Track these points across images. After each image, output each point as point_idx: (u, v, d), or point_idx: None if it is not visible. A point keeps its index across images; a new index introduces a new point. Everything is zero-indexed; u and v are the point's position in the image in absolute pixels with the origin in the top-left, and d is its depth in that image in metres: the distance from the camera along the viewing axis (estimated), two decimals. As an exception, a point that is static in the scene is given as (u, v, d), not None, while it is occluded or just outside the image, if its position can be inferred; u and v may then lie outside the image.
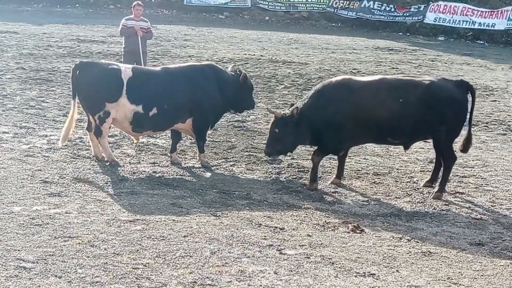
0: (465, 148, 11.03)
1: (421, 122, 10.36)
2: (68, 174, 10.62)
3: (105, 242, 8.02)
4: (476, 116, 16.69)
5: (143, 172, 11.08)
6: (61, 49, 23.44)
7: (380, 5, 37.26)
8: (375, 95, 10.43)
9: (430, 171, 11.89)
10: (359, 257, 8.14)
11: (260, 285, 7.25)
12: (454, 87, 10.56)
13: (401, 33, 36.46)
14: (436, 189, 10.67)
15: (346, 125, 10.43)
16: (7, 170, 10.50)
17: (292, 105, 10.94)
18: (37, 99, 15.66)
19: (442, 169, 10.81)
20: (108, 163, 11.30)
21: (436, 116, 10.32)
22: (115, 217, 8.89)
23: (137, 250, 7.86)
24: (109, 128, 11.55)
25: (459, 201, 10.56)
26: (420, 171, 11.94)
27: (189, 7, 37.63)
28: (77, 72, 11.42)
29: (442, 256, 8.40)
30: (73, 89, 11.56)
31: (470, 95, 10.68)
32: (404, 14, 37.08)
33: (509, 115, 17.04)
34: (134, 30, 16.31)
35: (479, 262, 8.28)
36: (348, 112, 10.39)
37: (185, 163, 11.69)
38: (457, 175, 11.77)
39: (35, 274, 7.07)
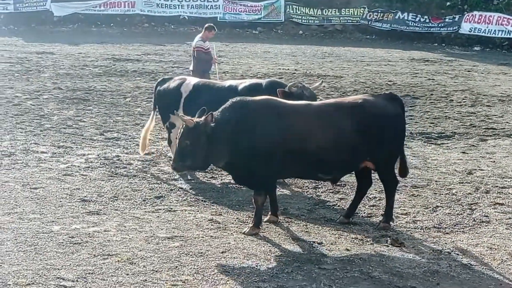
0: (403, 171, 9.92)
1: (358, 148, 9.19)
2: (106, 192, 10.70)
3: (144, 259, 8.06)
4: (515, 126, 16.55)
5: (180, 189, 11.12)
6: (96, 68, 23.67)
7: (415, 17, 37.12)
8: (303, 123, 9.15)
9: (469, 183, 11.80)
10: (399, 271, 8.08)
11: (300, 301, 7.24)
12: (386, 102, 9.53)
13: (436, 44, 36.27)
14: (383, 219, 9.73)
15: (273, 155, 9.02)
16: (46, 189, 10.61)
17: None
18: (74, 119, 15.81)
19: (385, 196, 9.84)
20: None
21: (375, 136, 9.23)
22: (153, 234, 8.94)
23: (176, 267, 7.89)
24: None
25: (499, 212, 10.44)
26: (459, 182, 11.83)
27: (222, 24, 37.77)
28: (157, 86, 12.59)
29: (483, 268, 8.32)
30: (154, 101, 12.86)
31: (401, 109, 9.72)
32: (439, 25, 36.89)
33: (548, 124, 16.85)
34: (210, 58, 16.81)
35: (521, 274, 8.19)
36: (275, 140, 9.00)
37: (221, 180, 11.71)
38: (497, 186, 11.65)
39: (75, 292, 7.14)
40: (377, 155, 9.40)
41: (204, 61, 16.74)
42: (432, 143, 14.87)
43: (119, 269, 7.75)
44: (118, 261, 7.98)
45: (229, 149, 9.03)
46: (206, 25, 17.34)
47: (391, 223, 9.67)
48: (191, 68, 17.17)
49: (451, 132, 15.84)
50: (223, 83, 12.67)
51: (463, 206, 10.67)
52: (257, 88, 11.58)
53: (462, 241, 9.24)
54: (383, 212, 9.89)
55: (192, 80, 12.53)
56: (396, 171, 9.85)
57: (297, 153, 9.07)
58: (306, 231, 9.40)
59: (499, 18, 35.29)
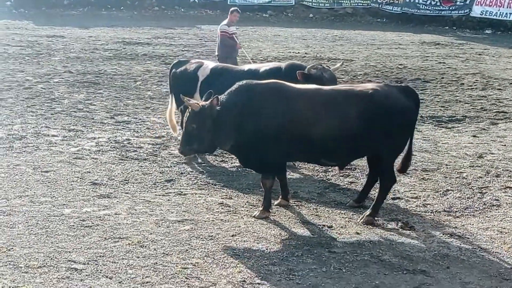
0: (404, 167, 9.65)
1: (363, 138, 8.94)
2: (116, 175, 10.72)
3: (155, 242, 8.09)
4: (526, 109, 16.49)
5: (190, 173, 11.14)
6: (107, 52, 23.67)
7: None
8: (310, 108, 8.98)
9: (480, 166, 11.77)
10: (409, 255, 8.09)
11: (310, 284, 7.25)
12: (400, 94, 9.14)
13: (447, 27, 36.11)
14: (367, 212, 9.27)
15: (278, 138, 8.91)
16: (56, 173, 10.65)
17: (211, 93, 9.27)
18: (85, 102, 15.84)
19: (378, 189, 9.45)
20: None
21: (381, 128, 8.89)
22: (164, 217, 8.96)
23: (186, 250, 7.92)
24: None
25: (509, 195, 10.41)
26: (470, 166, 11.80)
27: (232, 7, 37.71)
28: (173, 69, 12.58)
29: (493, 252, 8.31)
30: (169, 84, 12.83)
31: (415, 104, 9.27)
32: (450, 8, 36.70)
33: (560, 108, 16.77)
34: (234, 43, 16.59)
35: (532, 258, 8.18)
36: (279, 124, 8.88)
37: (231, 163, 11.72)
38: (507, 169, 11.62)
39: (86, 275, 7.17)
40: (380, 148, 9.09)
41: (228, 46, 16.59)
42: (442, 127, 14.83)
43: (129, 252, 7.78)
44: (129, 244, 8.01)
45: (235, 133, 9.03)
46: (231, 9, 17.29)
47: (375, 218, 9.24)
48: (216, 53, 17.08)
49: (462, 116, 15.79)
50: (242, 67, 12.64)
51: (473, 190, 10.65)
52: (276, 72, 11.48)
53: (473, 224, 9.23)
54: (371, 204, 9.44)
55: (210, 64, 12.47)
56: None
57: (301, 138, 8.98)
58: (316, 215, 9.41)
59: (510, 1, 35.05)
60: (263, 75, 11.30)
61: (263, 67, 12.10)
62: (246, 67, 12.65)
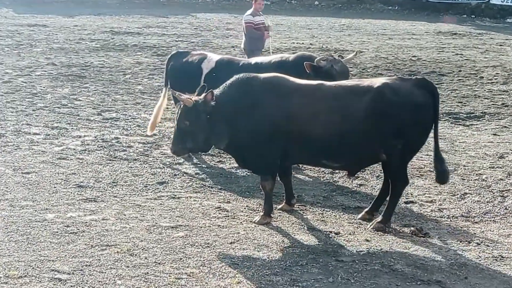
0: (442, 176, 9.32)
1: (369, 138, 8.87)
2: (104, 177, 10.73)
3: (146, 250, 8.09)
4: (551, 105, 16.48)
5: (185, 174, 11.14)
6: (94, 43, 23.69)
7: (441, -15, 37.03)
8: (310, 104, 8.99)
9: (501, 167, 11.77)
10: (423, 264, 8.08)
11: (315, 295, 7.27)
12: (413, 88, 8.97)
13: (465, 16, 36.10)
14: (379, 218, 9.23)
15: (275, 136, 8.98)
16: (39, 174, 10.65)
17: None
18: (69, 97, 15.84)
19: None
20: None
21: (389, 127, 8.82)
22: (156, 223, 8.96)
23: (180, 259, 7.92)
24: None
25: (533, 200, 10.44)
26: (490, 167, 11.80)
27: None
28: (171, 61, 12.56)
29: (515, 261, 8.32)
30: (165, 77, 12.73)
31: (432, 99, 9.03)
32: (468, -5, 36.77)
33: None
34: (261, 34, 16.31)
35: (558, 267, 8.18)
36: (277, 120, 8.94)
37: (229, 164, 11.72)
38: (531, 171, 11.65)
39: (71, 286, 7.17)
40: (390, 149, 8.93)
41: (254, 39, 16.38)
42: (460, 124, 14.84)
43: (118, 261, 7.78)
44: (118, 252, 8.01)
45: (230, 129, 9.07)
46: None
47: (387, 226, 9.16)
48: (242, 46, 16.88)
49: (481, 112, 15.80)
50: (250, 60, 12.67)
51: (493, 193, 10.65)
52: (283, 64, 11.57)
53: (493, 231, 9.23)
54: (383, 210, 9.38)
55: (214, 56, 12.51)
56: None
57: (301, 136, 8.99)
58: (322, 220, 9.41)
59: (534, -13, 35.12)
60: (269, 68, 11.32)
61: (271, 59, 12.14)
62: (254, 59, 12.68)
